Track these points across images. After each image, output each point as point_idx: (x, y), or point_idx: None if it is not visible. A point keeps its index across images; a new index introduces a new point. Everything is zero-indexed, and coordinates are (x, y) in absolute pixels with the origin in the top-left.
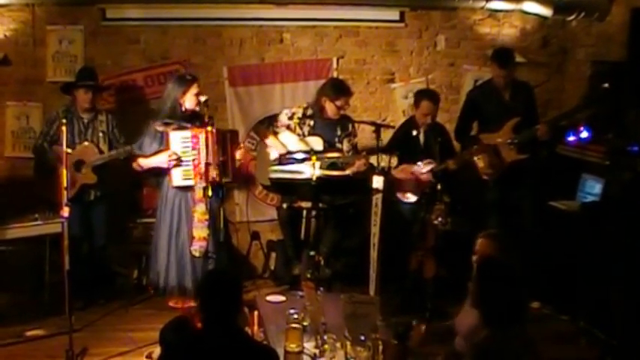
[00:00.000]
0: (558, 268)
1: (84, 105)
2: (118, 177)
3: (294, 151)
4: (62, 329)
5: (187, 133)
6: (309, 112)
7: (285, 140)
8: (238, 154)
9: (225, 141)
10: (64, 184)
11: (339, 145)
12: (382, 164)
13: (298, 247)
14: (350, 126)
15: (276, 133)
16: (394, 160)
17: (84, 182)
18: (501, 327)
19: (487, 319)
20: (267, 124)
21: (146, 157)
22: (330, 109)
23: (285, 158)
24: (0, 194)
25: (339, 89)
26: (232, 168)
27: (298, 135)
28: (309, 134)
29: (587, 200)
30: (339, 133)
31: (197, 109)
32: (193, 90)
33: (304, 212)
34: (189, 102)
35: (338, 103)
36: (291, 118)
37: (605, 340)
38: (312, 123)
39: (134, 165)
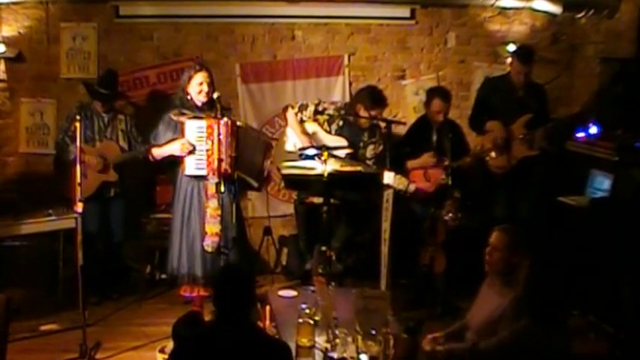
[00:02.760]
0: (567, 263)
1: (98, 109)
2: (132, 174)
3: (308, 146)
4: (76, 324)
5: (203, 123)
6: (323, 108)
7: (310, 130)
8: (268, 164)
9: (268, 149)
10: (78, 180)
11: (362, 151)
12: (400, 187)
13: (312, 243)
14: (377, 134)
15: (302, 121)
16: (412, 187)
17: (105, 180)
18: (545, 323)
19: (535, 314)
20: (299, 108)
21: (160, 146)
22: (363, 115)
23: (297, 154)
24: (14, 190)
25: (376, 100)
26: (262, 177)
27: (326, 131)
28: (336, 133)
29: (596, 196)
30: (365, 138)
31: (201, 99)
32: (197, 79)
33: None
34: (192, 91)
35: (373, 112)
36: (321, 112)
37: (614, 335)
38: (340, 123)
39: (149, 156)
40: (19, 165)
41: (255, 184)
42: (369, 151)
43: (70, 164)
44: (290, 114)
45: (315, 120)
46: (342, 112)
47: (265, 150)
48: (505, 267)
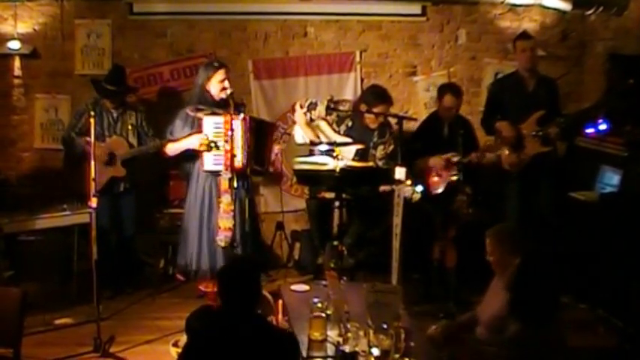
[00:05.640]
0: (577, 257)
1: (107, 104)
2: (145, 169)
3: (319, 142)
4: (90, 318)
5: (220, 119)
6: (334, 106)
7: (320, 125)
8: (276, 148)
9: (265, 131)
10: (92, 175)
11: (372, 152)
12: (406, 194)
13: (324, 237)
14: (388, 133)
15: (312, 120)
16: (417, 196)
17: (113, 175)
18: (536, 324)
19: (523, 317)
20: (308, 107)
21: (176, 140)
22: (367, 115)
23: (309, 149)
24: (29, 185)
25: (377, 96)
26: (269, 159)
27: (334, 131)
28: (344, 134)
29: (605, 191)
30: (375, 139)
31: (222, 96)
32: (218, 76)
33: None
34: (213, 88)
35: (376, 109)
36: (333, 109)
37: (623, 328)
38: (349, 124)
39: (162, 152)
40: (33, 160)
41: (259, 168)
42: (379, 152)
43: (78, 159)
44: (298, 113)
45: (325, 119)
46: (350, 113)
47: (271, 134)
48: (503, 268)
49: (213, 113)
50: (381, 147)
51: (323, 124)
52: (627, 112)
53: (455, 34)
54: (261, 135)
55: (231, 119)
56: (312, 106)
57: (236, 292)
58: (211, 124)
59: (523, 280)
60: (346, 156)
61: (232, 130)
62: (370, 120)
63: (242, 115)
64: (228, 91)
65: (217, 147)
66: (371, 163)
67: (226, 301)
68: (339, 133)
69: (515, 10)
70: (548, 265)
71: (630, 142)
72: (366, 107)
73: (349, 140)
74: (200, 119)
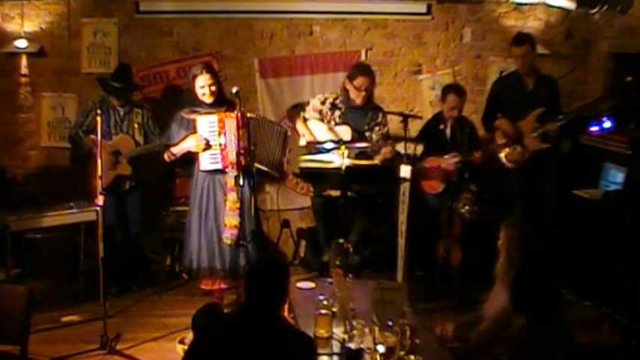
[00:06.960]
0: (581, 255)
1: (114, 102)
2: (151, 167)
3: (322, 140)
4: (97, 315)
5: (214, 118)
6: (339, 101)
7: (313, 128)
8: (287, 152)
9: (286, 139)
10: (99, 173)
11: (368, 134)
12: (409, 151)
13: (329, 235)
14: (380, 115)
15: (305, 120)
16: (420, 148)
17: (119, 173)
18: (540, 321)
19: (526, 313)
20: (300, 108)
21: (176, 144)
22: (351, 90)
23: (314, 147)
24: (36, 183)
25: (357, 69)
26: (282, 167)
27: (328, 122)
28: (340, 122)
29: (610, 189)
30: (368, 122)
31: (207, 100)
32: (199, 82)
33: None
34: (197, 91)
35: (355, 83)
36: (323, 103)
37: (628, 326)
38: (342, 108)
39: (165, 156)
40: (40, 159)
41: (277, 175)
42: (376, 134)
43: (85, 157)
44: (299, 124)
45: (320, 112)
46: (339, 100)
47: (283, 140)
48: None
49: (207, 113)
50: (376, 128)
51: (319, 124)
52: (631, 110)
53: (460, 32)
54: (274, 140)
55: (228, 116)
56: (301, 106)
57: (265, 290)
58: (205, 124)
59: (525, 278)
60: (344, 137)
61: (229, 127)
62: (354, 94)
63: (235, 112)
64: (234, 89)
65: (210, 146)
66: (376, 160)
67: (252, 298)
68: (335, 120)
69: (519, 9)
70: (550, 262)
71: (634, 139)
72: (348, 82)
73: (353, 139)
74: (194, 120)
